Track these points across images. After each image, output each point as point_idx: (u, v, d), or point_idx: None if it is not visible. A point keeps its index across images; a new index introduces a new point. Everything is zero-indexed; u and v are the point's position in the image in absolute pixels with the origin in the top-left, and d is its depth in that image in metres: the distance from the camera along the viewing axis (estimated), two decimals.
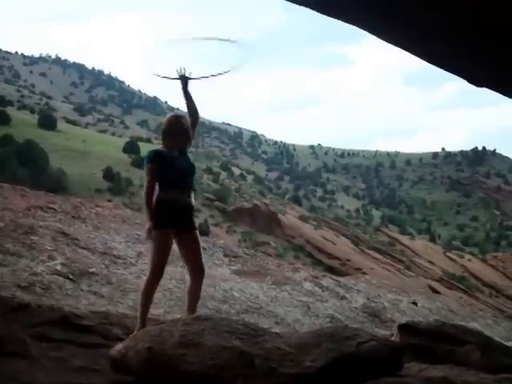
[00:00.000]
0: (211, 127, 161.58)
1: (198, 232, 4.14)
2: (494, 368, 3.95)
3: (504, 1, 2.71)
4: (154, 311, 4.57)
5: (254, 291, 6.41)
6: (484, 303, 30.59)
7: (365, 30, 3.65)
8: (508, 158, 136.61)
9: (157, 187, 3.99)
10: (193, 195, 4.09)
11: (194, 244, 4.05)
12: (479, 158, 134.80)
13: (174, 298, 5.27)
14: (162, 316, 4.73)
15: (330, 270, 28.10)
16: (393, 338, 4.38)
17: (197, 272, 4.07)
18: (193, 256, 4.06)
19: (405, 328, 4.45)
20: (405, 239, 61.72)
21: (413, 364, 3.74)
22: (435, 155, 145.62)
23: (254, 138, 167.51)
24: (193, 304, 4.06)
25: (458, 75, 3.89)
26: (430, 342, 4.21)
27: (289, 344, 3.09)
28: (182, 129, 4.03)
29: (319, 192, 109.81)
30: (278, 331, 4.25)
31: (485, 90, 4.42)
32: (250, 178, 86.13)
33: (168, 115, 4.19)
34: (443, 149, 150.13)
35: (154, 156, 4.03)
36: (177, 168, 3.98)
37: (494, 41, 3.07)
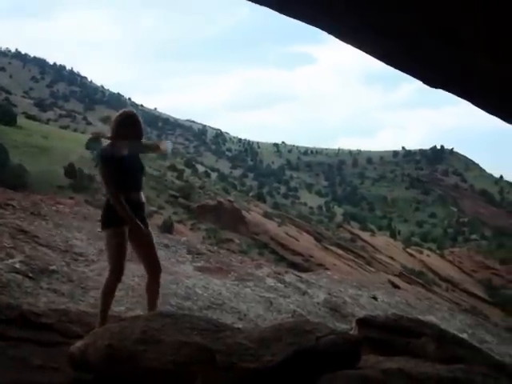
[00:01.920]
0: (176, 124, 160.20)
1: (150, 229, 4.12)
2: (448, 359, 4.08)
3: (447, 6, 2.81)
4: (115, 308, 4.55)
5: (216, 287, 6.43)
6: (441, 297, 31.37)
7: (321, 28, 3.72)
8: (465, 156, 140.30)
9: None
10: (142, 193, 4.08)
11: (148, 241, 4.03)
12: (438, 156, 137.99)
13: (136, 295, 5.24)
14: (124, 313, 4.71)
15: (294, 266, 28.33)
16: (352, 332, 4.48)
17: (153, 269, 4.06)
18: (148, 253, 4.03)
19: (363, 322, 4.55)
20: (366, 235, 62.70)
21: (370, 356, 3.83)
22: (396, 154, 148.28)
23: (219, 135, 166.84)
24: (153, 301, 4.05)
25: (411, 75, 4.01)
26: (388, 334, 4.33)
27: (250, 339, 3.13)
28: (138, 124, 3.98)
29: (283, 189, 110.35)
30: (240, 327, 4.30)
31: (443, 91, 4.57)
32: (214, 175, 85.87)
33: (123, 109, 4.13)
34: (403, 147, 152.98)
35: (107, 158, 3.95)
36: (127, 167, 3.93)
37: (438, 43, 3.17)
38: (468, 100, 4.78)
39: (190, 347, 2.92)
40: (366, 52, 3.80)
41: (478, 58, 3.29)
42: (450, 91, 4.53)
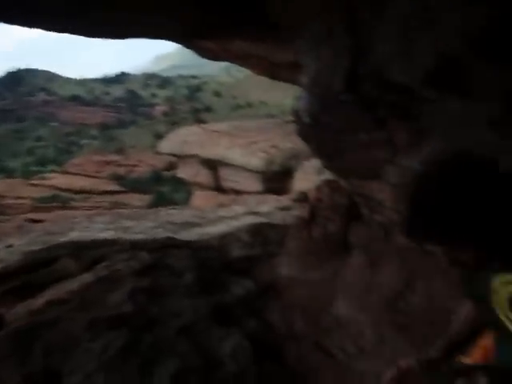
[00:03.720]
0: None
1: None
2: (89, 266, 4.27)
3: None
4: None
5: None
6: (82, 209, 32.25)
7: None
8: (42, 70, 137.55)
9: None
10: None
11: None
12: (16, 80, 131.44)
13: None
14: None
15: None
16: None
17: None
18: None
19: None
20: None
21: (18, 305, 3.71)
22: None
23: None
24: None
25: None
26: (23, 276, 4.23)
27: None
28: None
29: None
30: None
31: None
32: None
33: None
34: None
35: None
36: None
37: None
38: None
39: None
40: None
41: None
42: None
